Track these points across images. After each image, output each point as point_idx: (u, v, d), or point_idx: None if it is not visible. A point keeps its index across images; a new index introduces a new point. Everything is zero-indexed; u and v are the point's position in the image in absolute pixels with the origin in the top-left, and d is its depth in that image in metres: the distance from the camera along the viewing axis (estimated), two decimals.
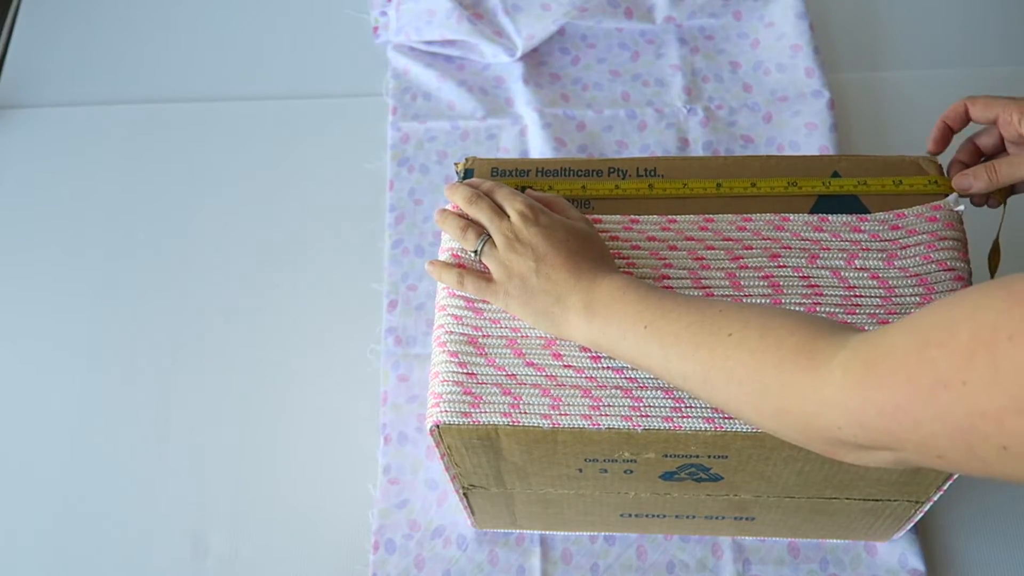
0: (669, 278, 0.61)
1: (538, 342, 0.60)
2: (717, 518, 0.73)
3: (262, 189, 0.98)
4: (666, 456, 0.60)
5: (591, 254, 0.58)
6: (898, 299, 0.58)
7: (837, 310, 0.58)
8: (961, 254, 0.60)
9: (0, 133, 1.03)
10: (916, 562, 0.77)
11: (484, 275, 0.60)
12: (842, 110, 0.98)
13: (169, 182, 0.99)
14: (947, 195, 0.62)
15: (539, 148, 0.96)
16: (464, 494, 0.70)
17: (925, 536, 0.78)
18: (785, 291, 0.60)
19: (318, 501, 0.82)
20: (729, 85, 1.00)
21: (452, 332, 0.61)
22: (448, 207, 0.64)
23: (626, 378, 0.58)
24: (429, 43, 1.03)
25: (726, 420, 0.56)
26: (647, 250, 0.62)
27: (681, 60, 1.02)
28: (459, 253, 0.62)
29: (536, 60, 1.03)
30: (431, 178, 0.97)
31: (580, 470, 0.63)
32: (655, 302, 0.53)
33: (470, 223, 0.61)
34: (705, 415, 0.56)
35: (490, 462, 0.63)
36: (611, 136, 0.98)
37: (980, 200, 0.64)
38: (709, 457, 0.60)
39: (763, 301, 0.60)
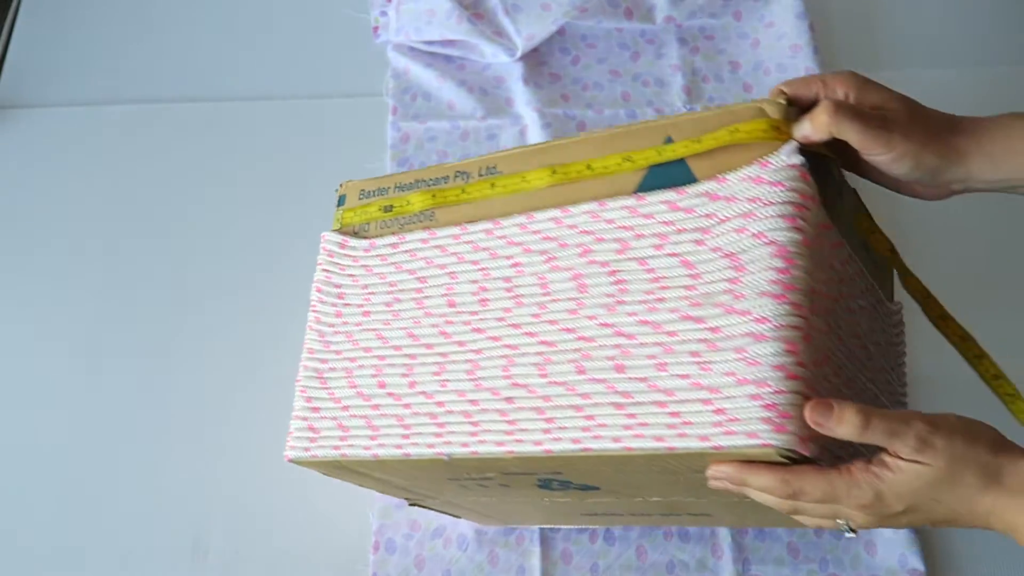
0: (487, 289, 0.56)
1: (369, 371, 0.60)
2: (653, 515, 0.71)
3: (262, 189, 0.98)
4: (513, 473, 0.57)
5: (976, 488, 0.47)
6: (704, 286, 0.50)
7: (639, 307, 0.51)
8: (790, 220, 0.48)
9: (0, 133, 1.03)
10: (916, 562, 0.77)
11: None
12: None
13: (169, 182, 0.99)
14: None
15: None
16: (415, 504, 0.72)
17: (925, 536, 0.78)
18: (590, 290, 0.53)
19: (318, 501, 0.82)
20: (729, 85, 1.00)
21: (305, 366, 0.63)
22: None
23: (436, 403, 0.56)
24: (429, 43, 1.03)
25: (550, 441, 0.52)
26: (470, 261, 0.58)
27: (681, 60, 1.02)
28: None
29: (536, 60, 1.03)
30: None
31: (457, 483, 0.62)
32: None
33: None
34: (534, 439, 0.52)
35: (381, 483, 0.64)
36: None
37: (910, 186, 0.53)
38: (554, 473, 0.56)
39: (570, 305, 0.53)
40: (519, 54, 1.01)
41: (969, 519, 0.48)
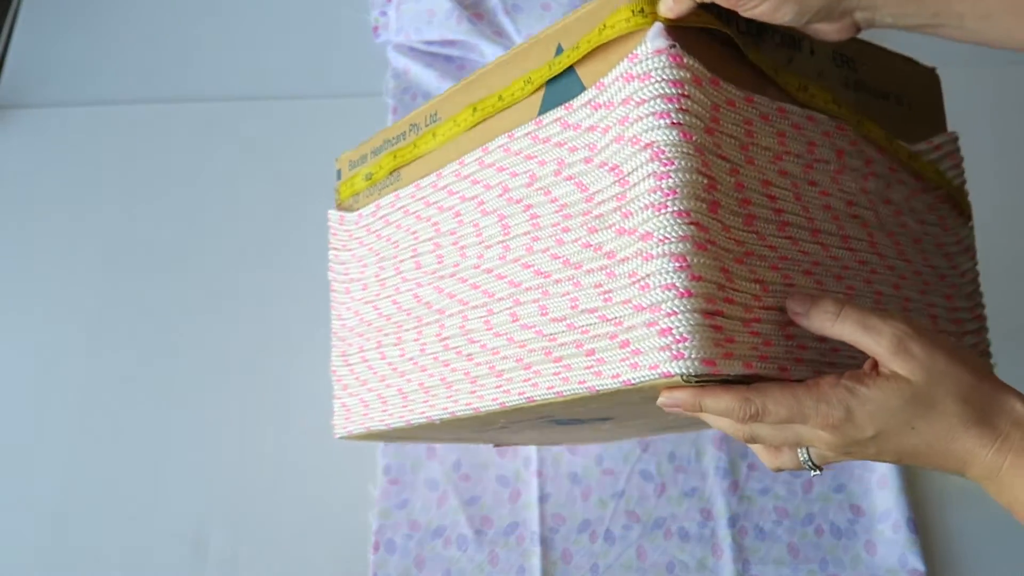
0: (440, 246, 0.54)
1: (372, 344, 0.61)
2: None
3: (262, 189, 0.98)
4: (522, 420, 0.56)
5: (959, 420, 0.42)
6: (597, 208, 0.45)
7: (551, 242, 0.47)
8: (662, 116, 0.42)
9: (0, 133, 1.03)
10: (916, 562, 0.77)
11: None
12: None
13: (169, 182, 0.99)
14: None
15: None
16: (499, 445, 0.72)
17: (925, 536, 0.78)
18: (512, 231, 0.50)
19: (318, 501, 0.82)
20: None
21: (333, 347, 0.65)
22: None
23: (421, 368, 0.57)
24: (429, 43, 1.03)
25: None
26: (425, 218, 0.55)
27: None
28: None
29: None
30: None
31: (495, 428, 0.61)
32: None
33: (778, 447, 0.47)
34: (492, 396, 0.51)
35: (430, 438, 0.67)
36: None
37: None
38: (548, 415, 0.54)
39: (499, 251, 0.50)
40: None
41: (942, 459, 0.42)
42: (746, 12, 0.43)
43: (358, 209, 0.64)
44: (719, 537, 0.79)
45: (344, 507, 0.82)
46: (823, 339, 0.45)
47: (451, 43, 1.03)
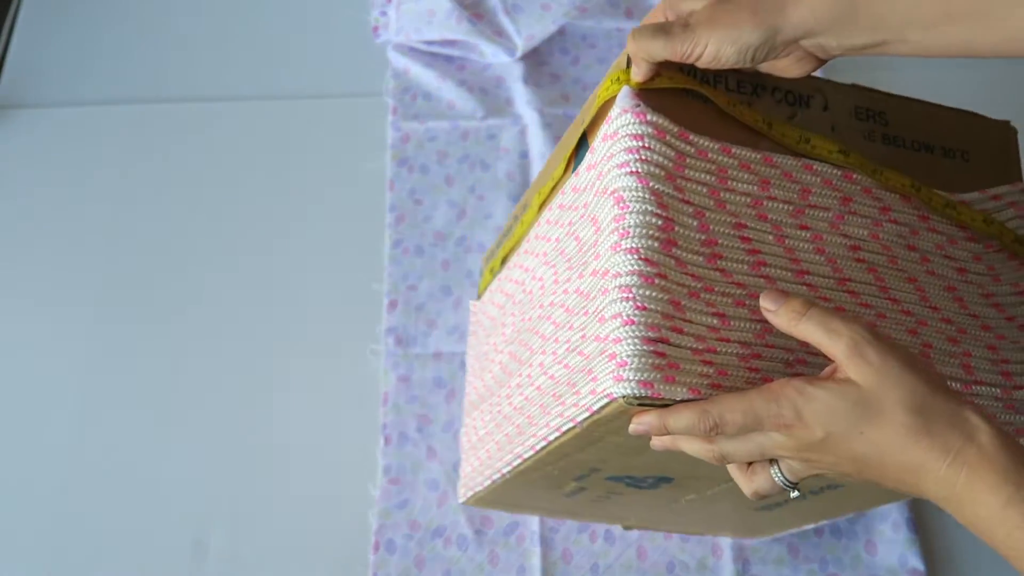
0: (512, 314, 0.63)
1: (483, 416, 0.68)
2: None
3: (262, 189, 0.98)
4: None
5: (907, 432, 0.41)
6: (583, 256, 0.50)
7: (560, 295, 0.53)
8: (622, 166, 0.46)
9: (0, 133, 1.03)
10: (916, 562, 0.77)
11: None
12: None
13: (169, 182, 0.99)
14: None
15: (539, 148, 0.96)
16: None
17: (925, 536, 0.78)
18: (545, 290, 0.57)
19: (318, 501, 0.82)
20: None
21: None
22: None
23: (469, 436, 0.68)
24: (429, 43, 1.03)
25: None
26: (507, 293, 0.66)
27: None
28: None
29: (536, 60, 1.03)
30: (431, 178, 0.97)
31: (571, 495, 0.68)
32: None
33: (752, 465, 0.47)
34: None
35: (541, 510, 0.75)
36: None
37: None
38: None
39: (537, 309, 0.58)
40: (519, 54, 1.01)
41: (898, 471, 0.41)
42: (693, 62, 0.46)
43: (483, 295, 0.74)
44: (719, 537, 0.79)
45: (344, 507, 0.82)
46: (794, 374, 0.46)
47: (451, 43, 1.03)
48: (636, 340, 0.43)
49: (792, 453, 0.43)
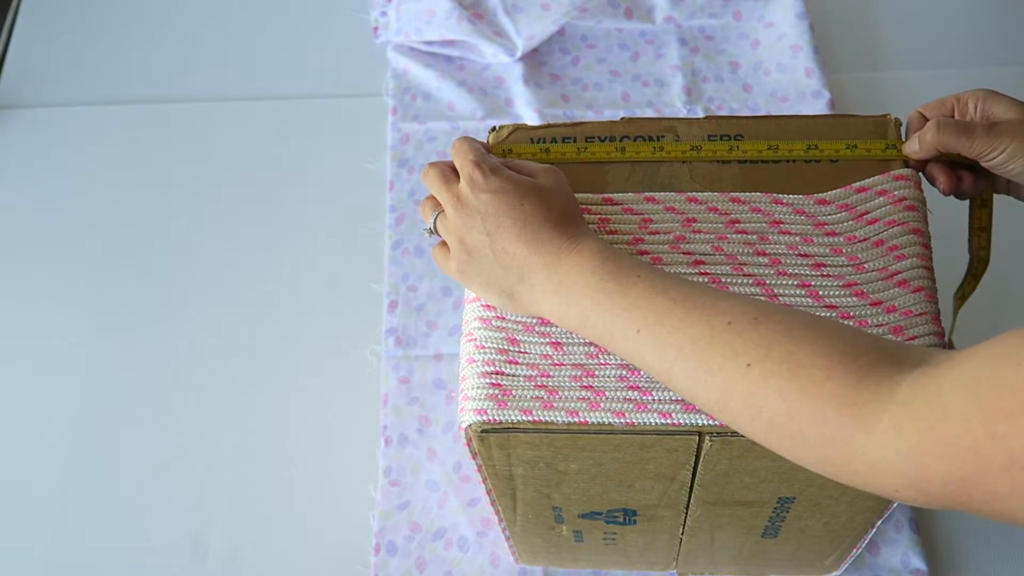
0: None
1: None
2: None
3: (262, 189, 0.98)
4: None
5: (552, 217, 0.49)
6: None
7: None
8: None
9: (0, 133, 1.03)
10: (918, 562, 0.77)
11: (446, 250, 0.53)
12: (842, 110, 0.98)
13: (169, 182, 0.99)
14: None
15: None
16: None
17: (927, 536, 0.78)
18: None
19: (318, 503, 0.82)
20: (729, 85, 1.00)
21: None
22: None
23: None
24: (429, 43, 1.03)
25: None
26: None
27: (681, 60, 1.02)
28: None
29: (536, 60, 1.03)
30: None
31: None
32: (644, 296, 0.45)
33: (431, 197, 0.54)
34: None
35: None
36: None
37: (946, 184, 0.55)
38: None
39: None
40: (519, 54, 1.01)
41: (514, 285, 0.50)
42: (984, 163, 0.53)
43: None
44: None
45: (345, 509, 0.81)
46: (628, 387, 0.51)
47: (451, 43, 1.03)
48: (475, 376, 0.51)
49: (450, 216, 0.51)
